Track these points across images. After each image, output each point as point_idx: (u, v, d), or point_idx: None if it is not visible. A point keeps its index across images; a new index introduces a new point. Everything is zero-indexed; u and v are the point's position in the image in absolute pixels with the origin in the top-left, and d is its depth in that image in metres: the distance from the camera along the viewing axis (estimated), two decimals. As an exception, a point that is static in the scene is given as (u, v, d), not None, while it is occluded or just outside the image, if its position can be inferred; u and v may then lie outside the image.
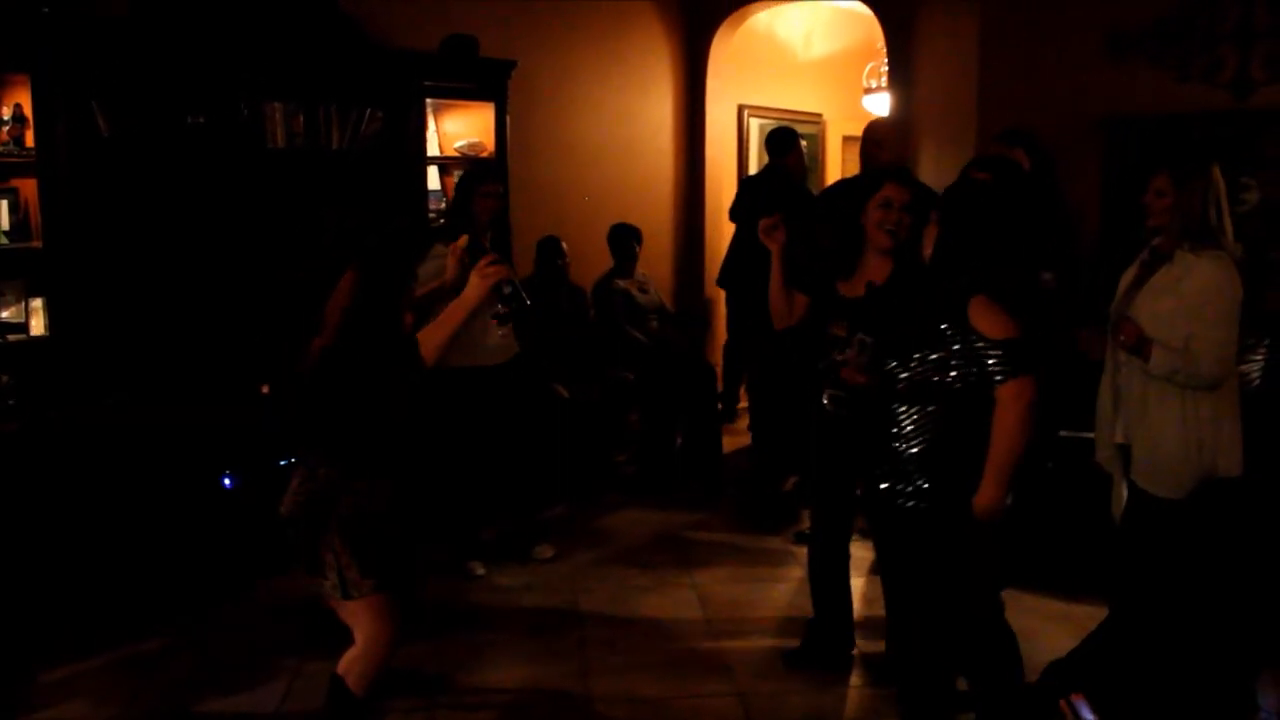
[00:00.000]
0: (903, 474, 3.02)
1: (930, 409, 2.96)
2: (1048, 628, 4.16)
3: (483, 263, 3.07)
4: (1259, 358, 3.35)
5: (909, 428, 3.00)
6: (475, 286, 3.05)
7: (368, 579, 2.99)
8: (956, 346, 2.91)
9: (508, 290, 3.15)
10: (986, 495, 2.90)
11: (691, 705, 3.76)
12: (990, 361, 2.87)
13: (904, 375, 2.99)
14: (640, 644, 4.23)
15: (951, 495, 2.94)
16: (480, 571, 4.90)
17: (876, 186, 3.66)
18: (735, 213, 6.39)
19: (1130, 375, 3.29)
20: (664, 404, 6.37)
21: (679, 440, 6.47)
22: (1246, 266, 3.22)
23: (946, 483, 2.95)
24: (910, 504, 3.00)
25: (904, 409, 3.01)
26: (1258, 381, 3.33)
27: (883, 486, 3.08)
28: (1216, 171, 3.20)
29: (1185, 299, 3.10)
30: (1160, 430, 3.18)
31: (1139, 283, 3.31)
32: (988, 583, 3.12)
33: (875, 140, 5.01)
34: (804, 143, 6.34)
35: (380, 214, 3.33)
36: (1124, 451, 3.37)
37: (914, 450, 2.99)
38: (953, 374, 2.91)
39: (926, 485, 2.98)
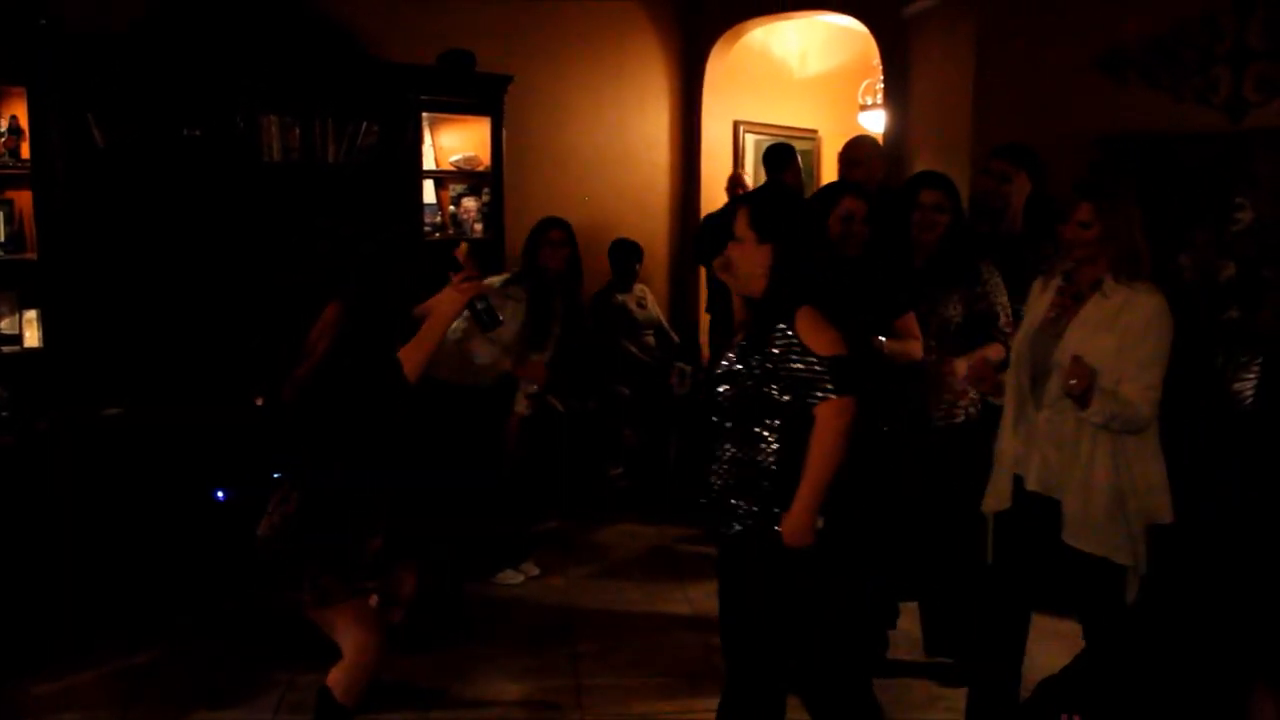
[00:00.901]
0: (726, 496, 2.83)
1: (756, 428, 2.79)
2: (1039, 645, 4.14)
3: (457, 278, 3.10)
4: (1251, 376, 3.35)
5: (732, 449, 2.83)
6: (450, 301, 3.10)
7: (345, 584, 3.01)
8: (777, 359, 2.74)
9: (480, 306, 3.19)
10: (795, 519, 2.72)
11: (685, 721, 3.76)
12: (813, 378, 2.70)
13: (728, 390, 2.83)
14: (634, 658, 4.23)
15: (776, 519, 2.76)
16: (515, 580, 4.95)
17: (835, 200, 3.75)
18: (712, 238, 6.33)
19: (1059, 418, 3.03)
20: (659, 418, 6.37)
21: (673, 454, 6.47)
22: (1236, 285, 3.23)
23: (771, 505, 2.77)
24: (735, 527, 2.82)
25: (729, 429, 2.83)
26: (1250, 400, 3.33)
27: (706, 510, 2.90)
28: (1136, 190, 3.04)
29: (1125, 336, 2.92)
30: (1093, 480, 2.99)
31: (1058, 316, 3.09)
32: (823, 614, 2.94)
33: (852, 159, 5.08)
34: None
35: (374, 223, 3.36)
36: (1030, 501, 3.14)
37: (739, 471, 2.81)
38: (776, 388, 2.75)
39: (746, 508, 2.80)
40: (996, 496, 3.23)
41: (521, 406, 4.73)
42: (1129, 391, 2.87)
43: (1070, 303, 3.06)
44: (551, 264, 4.68)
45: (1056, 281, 3.14)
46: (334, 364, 3.00)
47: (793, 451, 2.75)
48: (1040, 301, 3.17)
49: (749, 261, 2.83)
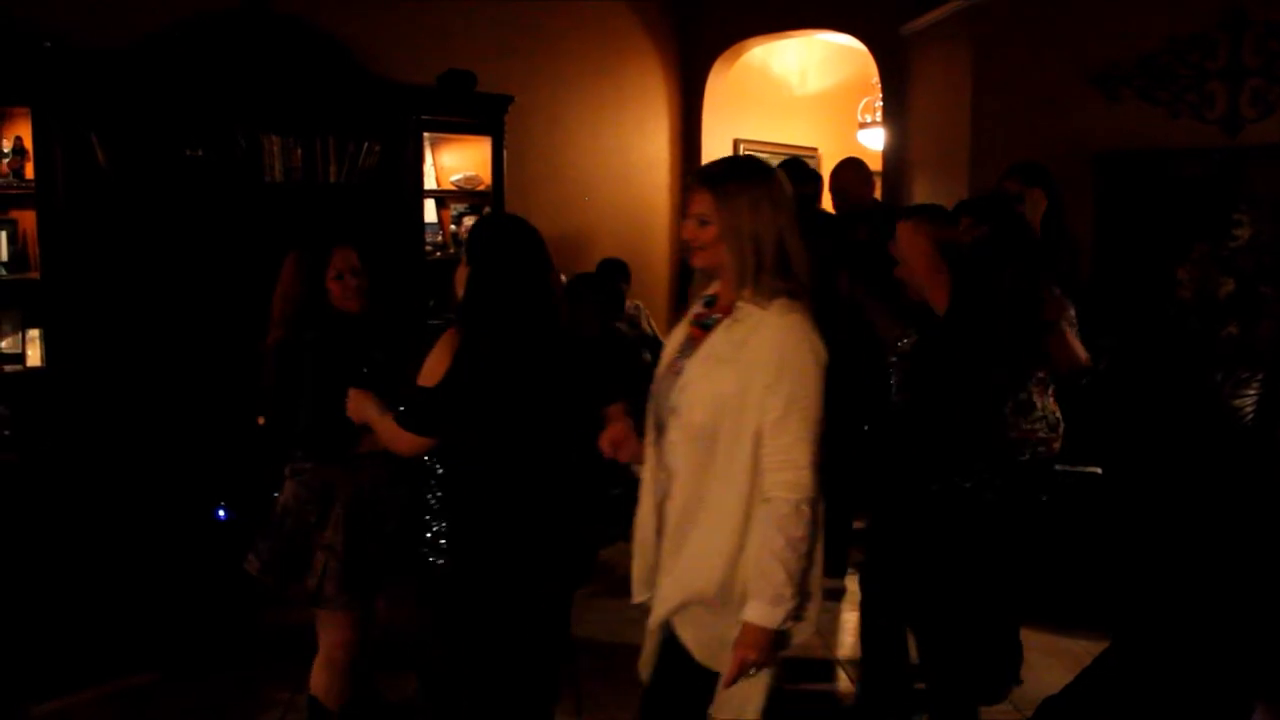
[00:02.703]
0: (425, 525, 2.78)
1: (446, 457, 2.71)
2: (1043, 662, 4.16)
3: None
4: (1251, 393, 3.35)
5: (434, 479, 2.81)
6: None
7: (344, 594, 3.03)
8: None
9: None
10: (362, 401, 2.74)
11: (686, 739, 3.74)
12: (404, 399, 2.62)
13: None
14: (634, 676, 4.19)
15: (467, 552, 2.66)
16: None
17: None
18: None
19: (671, 481, 2.38)
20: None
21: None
22: (1235, 301, 3.21)
23: (460, 536, 2.67)
24: (431, 558, 2.74)
25: (432, 459, 2.79)
26: (1250, 417, 3.33)
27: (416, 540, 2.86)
28: (781, 184, 2.35)
29: (752, 377, 2.23)
30: (705, 568, 2.30)
31: (685, 349, 2.42)
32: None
33: (839, 189, 5.13)
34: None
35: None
36: None
37: (435, 500, 2.77)
38: None
39: (444, 540, 2.72)
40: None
41: None
42: (769, 454, 2.22)
43: (699, 332, 2.40)
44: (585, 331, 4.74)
45: (698, 306, 2.49)
46: (293, 335, 3.14)
47: (471, 484, 2.64)
48: (678, 331, 2.50)
49: (459, 283, 2.71)
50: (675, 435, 2.34)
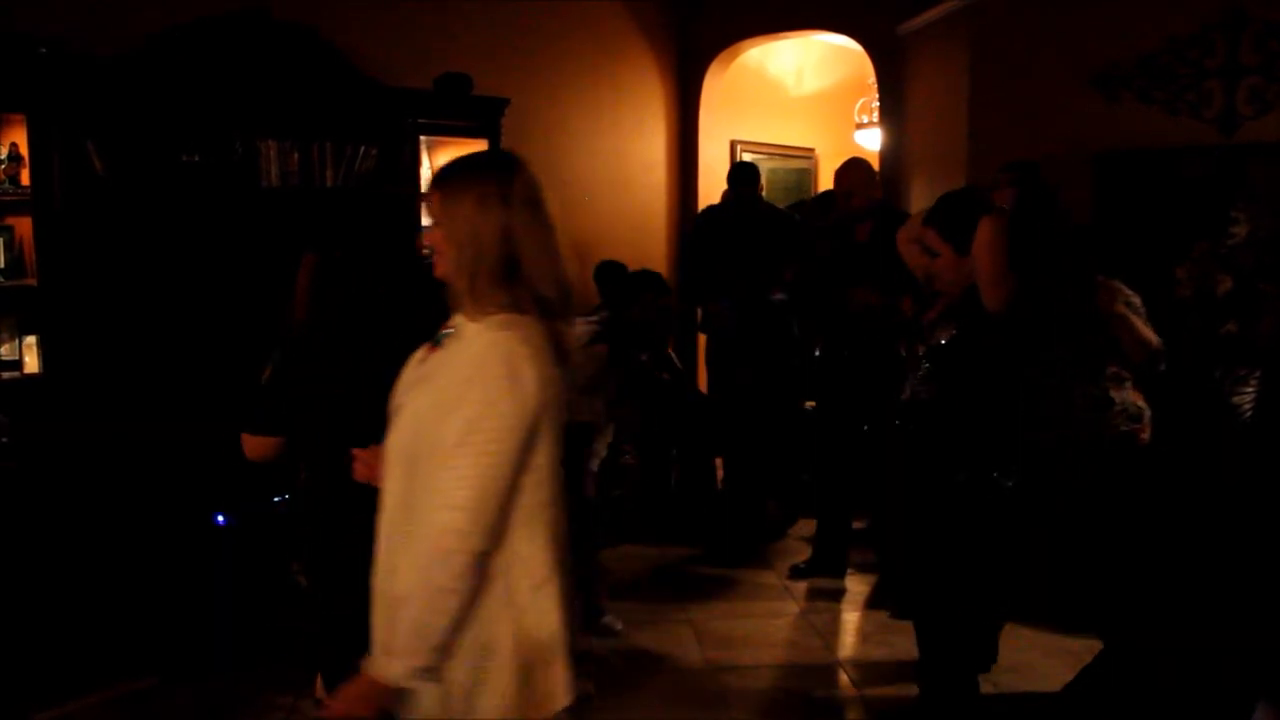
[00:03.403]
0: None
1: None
2: (1043, 662, 4.15)
3: None
4: (1250, 389, 3.35)
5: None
6: None
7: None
8: None
9: None
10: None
11: (688, 742, 3.75)
12: None
13: None
14: (638, 681, 4.21)
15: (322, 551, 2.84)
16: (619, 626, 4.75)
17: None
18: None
19: (397, 515, 2.05)
20: (659, 439, 6.36)
21: (675, 475, 6.46)
22: (1234, 298, 3.21)
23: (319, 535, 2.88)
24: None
25: None
26: (1249, 413, 3.33)
27: None
28: (523, 181, 2.09)
29: (444, 392, 1.94)
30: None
31: (417, 369, 2.13)
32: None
33: (844, 191, 5.13)
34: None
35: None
36: None
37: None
38: None
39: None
40: None
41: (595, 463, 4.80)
42: (438, 486, 1.88)
43: (433, 348, 2.10)
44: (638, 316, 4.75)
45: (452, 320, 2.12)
46: (311, 333, 3.16)
47: (314, 484, 2.85)
48: (422, 348, 2.16)
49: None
50: (389, 462, 2.06)
